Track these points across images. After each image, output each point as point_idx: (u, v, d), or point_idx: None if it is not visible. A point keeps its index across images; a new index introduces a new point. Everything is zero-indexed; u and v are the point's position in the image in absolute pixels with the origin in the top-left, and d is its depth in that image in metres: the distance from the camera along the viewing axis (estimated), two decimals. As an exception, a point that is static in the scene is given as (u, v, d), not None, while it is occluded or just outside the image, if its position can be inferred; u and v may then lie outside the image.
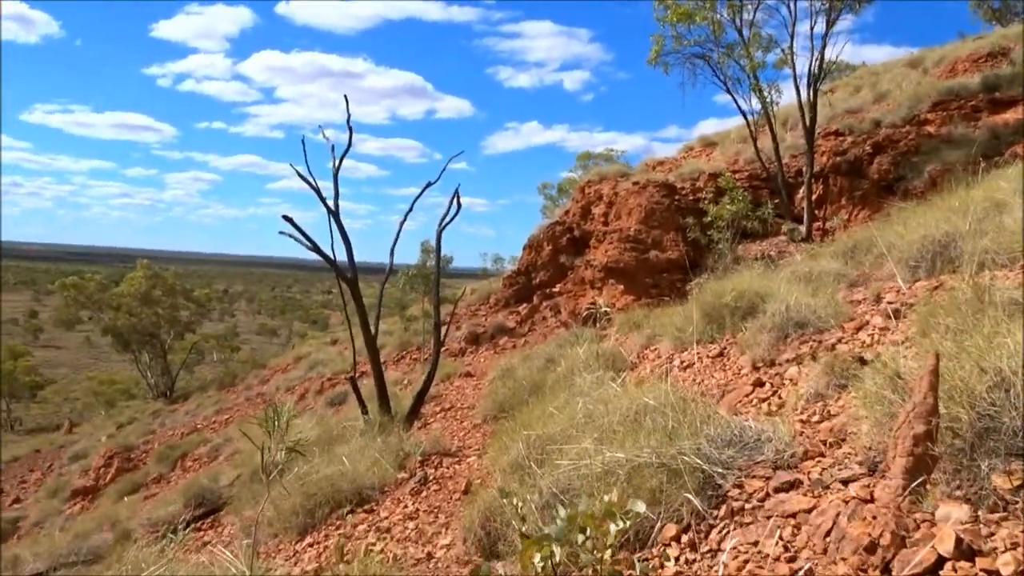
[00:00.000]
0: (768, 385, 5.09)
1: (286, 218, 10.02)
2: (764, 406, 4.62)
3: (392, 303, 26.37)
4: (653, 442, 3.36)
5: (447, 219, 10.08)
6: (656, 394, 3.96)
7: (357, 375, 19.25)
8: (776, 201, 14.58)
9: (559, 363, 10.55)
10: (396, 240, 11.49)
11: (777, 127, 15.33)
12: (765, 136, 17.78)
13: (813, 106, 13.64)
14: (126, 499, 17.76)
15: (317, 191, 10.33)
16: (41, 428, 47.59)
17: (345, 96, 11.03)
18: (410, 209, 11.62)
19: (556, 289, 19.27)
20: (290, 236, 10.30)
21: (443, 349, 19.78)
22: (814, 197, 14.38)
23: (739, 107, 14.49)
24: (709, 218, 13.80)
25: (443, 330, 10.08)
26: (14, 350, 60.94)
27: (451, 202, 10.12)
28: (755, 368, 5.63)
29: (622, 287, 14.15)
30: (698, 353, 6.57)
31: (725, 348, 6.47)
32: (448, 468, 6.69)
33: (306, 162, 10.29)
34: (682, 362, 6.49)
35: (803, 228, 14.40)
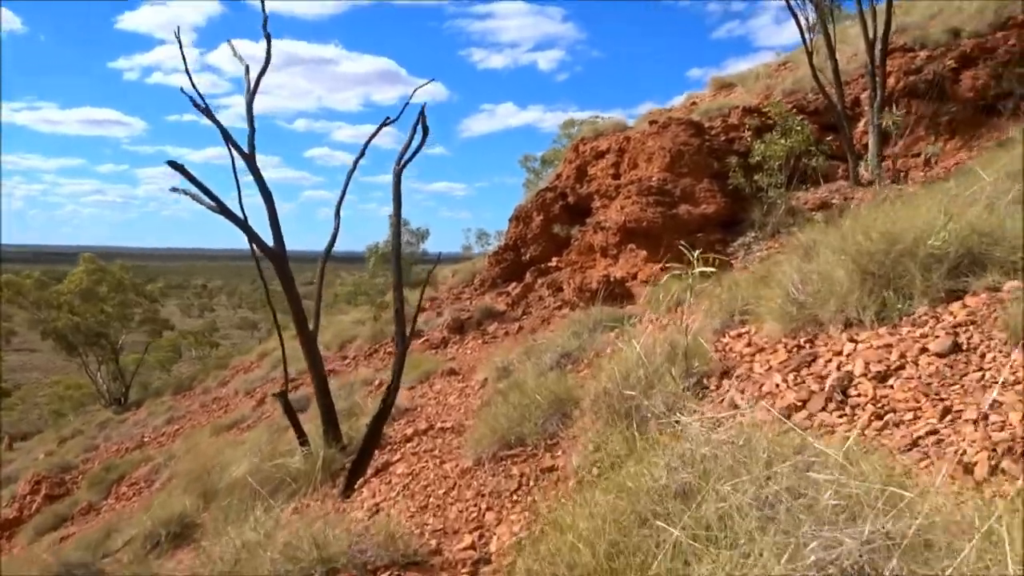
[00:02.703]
0: None
1: (173, 164, 6.77)
2: None
3: (367, 288, 23.16)
4: None
5: (409, 153, 6.86)
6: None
7: (294, 388, 15.97)
8: (831, 138, 11.43)
9: (587, 360, 7.39)
10: (344, 193, 8.27)
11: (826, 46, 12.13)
12: (800, 66, 14.64)
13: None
14: (38, 540, 14.52)
15: (218, 124, 7.09)
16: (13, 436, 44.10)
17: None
18: (362, 153, 8.40)
19: (552, 263, 16.21)
20: (184, 192, 7.08)
21: (422, 340, 16.67)
22: (877, 129, 11.27)
23: (793, 11, 11.26)
24: (755, 158, 10.64)
25: (411, 322, 6.86)
26: (-19, 356, 57.30)
27: (413, 129, 6.88)
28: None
29: (645, 252, 11.00)
30: (894, 341, 3.40)
31: (958, 328, 3.31)
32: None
33: (200, 95, 7.03)
34: (868, 368, 3.29)
35: (867, 167, 11.31)
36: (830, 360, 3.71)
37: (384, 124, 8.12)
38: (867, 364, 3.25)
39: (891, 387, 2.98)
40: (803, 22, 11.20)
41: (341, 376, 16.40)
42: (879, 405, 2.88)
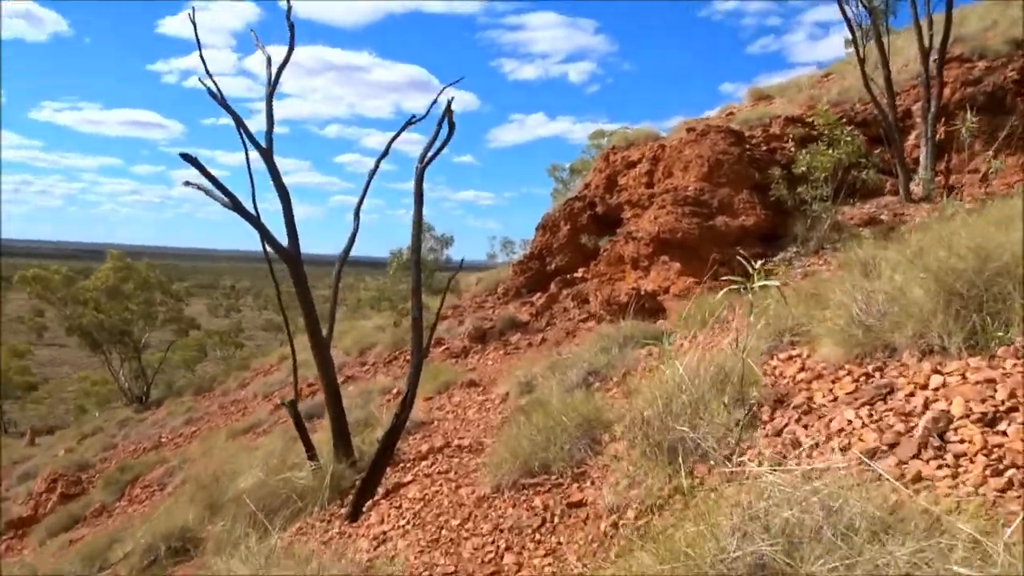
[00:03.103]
0: None
1: (186, 157, 6.38)
2: None
3: (390, 294, 22.75)
4: None
5: (434, 149, 6.41)
6: None
7: (311, 393, 15.57)
8: (879, 151, 10.81)
9: (616, 379, 6.87)
10: (364, 194, 7.83)
11: (871, 57, 11.51)
12: (847, 76, 14.06)
13: (949, 4, 9.85)
14: (47, 541, 14.24)
15: (234, 114, 6.69)
16: (36, 431, 44.39)
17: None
18: (385, 152, 7.97)
19: (579, 274, 15.74)
20: (197, 187, 6.71)
21: (442, 348, 16.21)
22: (931, 143, 10.64)
23: (845, 15, 10.65)
24: (800, 169, 10.06)
25: (430, 329, 6.38)
26: (15, 349, 58.09)
27: (439, 125, 6.43)
28: None
29: (678, 265, 10.45)
30: (998, 376, 2.85)
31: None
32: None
33: (216, 85, 6.65)
34: (969, 408, 2.73)
35: (919, 183, 10.68)
36: (912, 394, 3.17)
37: (409, 123, 7.68)
38: (967, 403, 2.70)
39: (1004, 434, 2.44)
40: (856, 28, 10.61)
41: (360, 383, 15.98)
42: (992, 456, 2.34)
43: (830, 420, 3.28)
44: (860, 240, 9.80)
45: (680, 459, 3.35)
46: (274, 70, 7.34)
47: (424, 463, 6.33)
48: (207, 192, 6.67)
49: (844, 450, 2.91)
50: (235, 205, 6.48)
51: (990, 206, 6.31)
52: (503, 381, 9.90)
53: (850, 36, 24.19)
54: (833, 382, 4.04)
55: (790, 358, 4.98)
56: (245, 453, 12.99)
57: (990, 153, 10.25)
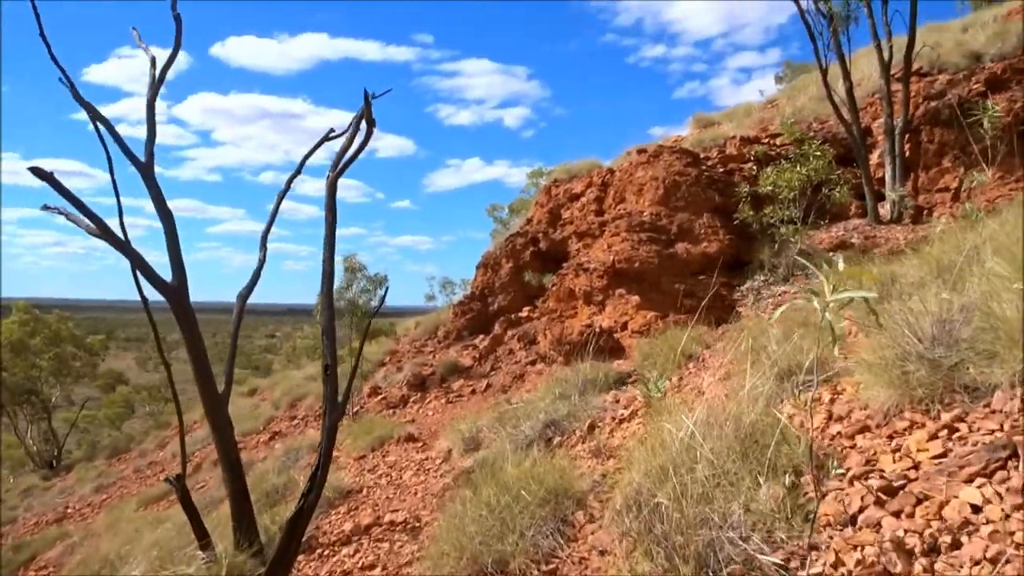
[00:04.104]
0: None
1: (37, 172, 5.03)
2: None
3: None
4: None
5: (350, 153, 5.21)
6: None
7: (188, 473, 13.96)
8: (840, 171, 10.02)
9: (580, 432, 5.70)
10: (272, 220, 6.56)
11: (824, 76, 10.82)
12: (800, 95, 13.48)
13: (913, 11, 9.20)
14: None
15: (103, 122, 5.40)
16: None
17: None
18: (297, 171, 6.73)
19: (524, 314, 14.71)
20: (58, 211, 5.38)
21: (379, 398, 14.82)
22: (897, 161, 9.92)
23: (806, 22, 9.88)
24: (766, 188, 9.17)
25: (348, 381, 5.04)
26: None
27: (356, 124, 5.24)
28: None
29: (637, 298, 9.40)
30: None
31: None
32: None
33: (65, 74, 5.35)
34: None
35: (889, 203, 9.93)
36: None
37: (327, 138, 6.50)
38: None
39: None
40: (816, 37, 9.89)
41: (287, 439, 14.51)
42: None
43: (940, 507, 2.16)
44: (834, 266, 8.96)
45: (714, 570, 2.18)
46: (158, 71, 6.09)
47: (346, 550, 5.02)
48: (68, 216, 5.35)
49: (994, 562, 1.79)
50: (102, 230, 5.16)
51: (1005, 217, 5.43)
52: (445, 435, 8.65)
53: (781, 74, 24.01)
54: (892, 437, 2.94)
55: (814, 405, 3.89)
56: (151, 527, 11.46)
57: (961, 169, 9.57)
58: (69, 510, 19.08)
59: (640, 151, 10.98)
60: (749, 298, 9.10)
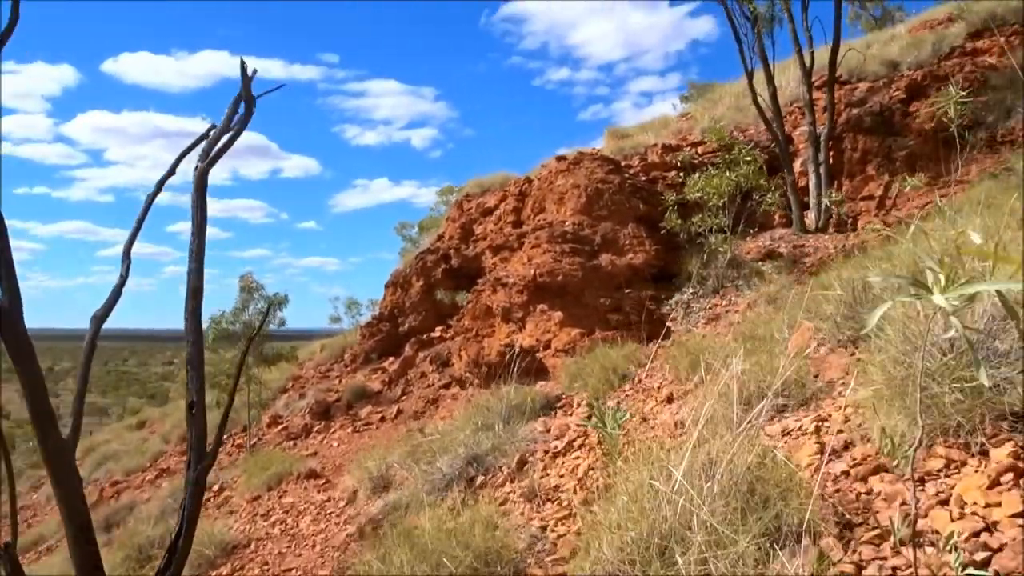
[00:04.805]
0: None
1: None
2: None
3: (226, 368, 19.60)
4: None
5: (225, 139, 4.28)
6: None
7: (122, 490, 13.07)
8: (767, 182, 9.65)
9: (508, 470, 4.90)
10: (138, 227, 5.51)
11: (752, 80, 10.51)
12: (719, 105, 13.22)
13: (838, 14, 8.92)
14: None
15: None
16: None
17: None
18: (171, 170, 5.69)
19: (436, 334, 13.90)
20: None
21: (280, 427, 13.60)
22: (822, 169, 9.62)
23: (733, 25, 9.48)
24: (694, 194, 8.66)
25: (220, 422, 4.06)
26: None
27: (235, 104, 4.32)
28: None
29: (560, 314, 8.69)
30: None
31: None
32: None
33: None
34: None
35: (814, 212, 9.62)
36: None
37: (205, 136, 5.50)
38: None
39: None
40: (742, 38, 9.51)
41: (176, 476, 13.12)
42: None
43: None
44: (764, 276, 8.51)
45: None
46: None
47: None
48: None
49: None
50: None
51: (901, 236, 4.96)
52: (351, 471, 7.68)
53: (686, 94, 23.95)
54: (925, 481, 2.26)
55: (796, 434, 3.20)
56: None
57: (886, 177, 9.34)
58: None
59: (560, 158, 10.36)
60: (679, 312, 8.54)
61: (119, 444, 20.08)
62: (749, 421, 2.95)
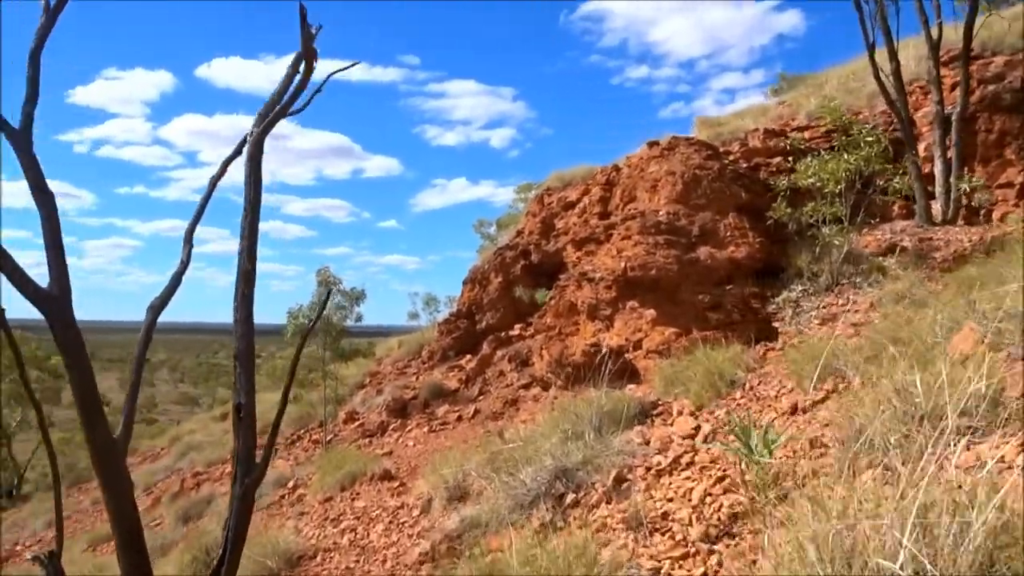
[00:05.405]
0: None
1: None
2: None
3: (308, 363, 19.56)
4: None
5: (284, 100, 3.79)
6: None
7: (191, 489, 12.97)
8: (891, 166, 8.63)
9: (604, 487, 4.25)
10: (200, 213, 5.10)
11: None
12: (827, 88, 12.18)
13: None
14: None
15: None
16: None
17: None
18: (239, 149, 5.26)
19: (515, 332, 13.41)
20: None
21: (356, 423, 13.28)
22: (950, 153, 8.56)
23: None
24: (806, 181, 7.79)
25: (271, 431, 3.56)
26: None
27: (295, 66, 3.81)
28: None
29: (653, 312, 7.96)
30: None
31: None
32: None
33: None
34: None
35: (941, 201, 8.57)
36: None
37: (282, 114, 5.04)
38: None
39: None
40: (864, 7, 8.53)
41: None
42: None
43: None
44: (887, 272, 7.55)
45: None
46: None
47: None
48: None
49: None
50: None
51: None
52: (425, 475, 7.15)
53: (776, 86, 22.56)
54: None
55: (1000, 467, 2.41)
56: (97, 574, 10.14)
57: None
58: (18, 548, 17.37)
59: (652, 144, 9.60)
60: (787, 311, 7.68)
61: (203, 435, 20.34)
62: (935, 449, 2.22)
